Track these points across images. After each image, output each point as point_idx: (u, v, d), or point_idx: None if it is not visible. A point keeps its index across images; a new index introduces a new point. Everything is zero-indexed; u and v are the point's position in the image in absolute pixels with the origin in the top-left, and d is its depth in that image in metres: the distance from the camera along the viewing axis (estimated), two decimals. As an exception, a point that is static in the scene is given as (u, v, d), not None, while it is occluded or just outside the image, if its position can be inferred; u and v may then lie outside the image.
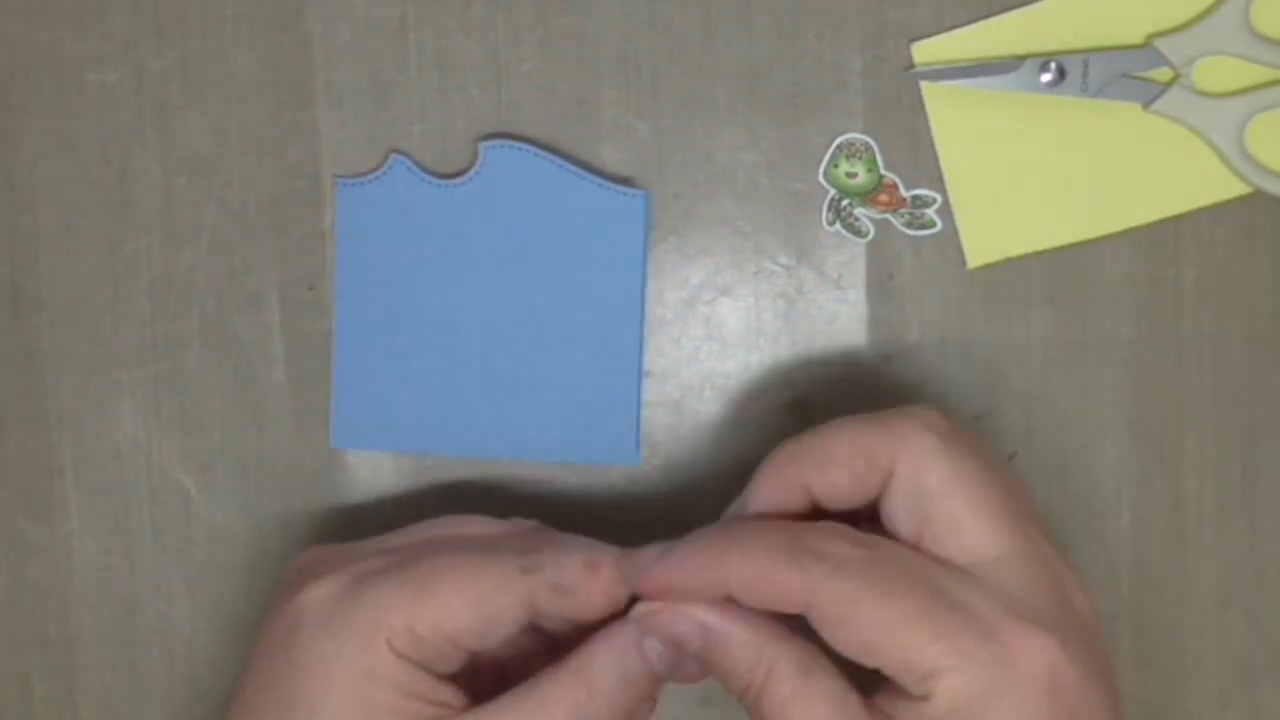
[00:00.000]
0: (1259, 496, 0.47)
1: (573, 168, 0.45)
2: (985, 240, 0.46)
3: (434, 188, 0.45)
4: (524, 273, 0.46)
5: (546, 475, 0.47)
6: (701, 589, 0.38)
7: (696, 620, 0.38)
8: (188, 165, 0.46)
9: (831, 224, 0.46)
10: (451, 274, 0.46)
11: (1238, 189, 0.46)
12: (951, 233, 0.46)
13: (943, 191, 0.46)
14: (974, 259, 0.46)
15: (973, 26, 0.45)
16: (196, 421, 0.47)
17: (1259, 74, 0.45)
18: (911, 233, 0.46)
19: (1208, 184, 0.46)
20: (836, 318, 0.46)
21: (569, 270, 0.45)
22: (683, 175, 0.46)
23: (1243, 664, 0.47)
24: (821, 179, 0.46)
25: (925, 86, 0.45)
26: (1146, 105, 0.45)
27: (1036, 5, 0.45)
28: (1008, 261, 0.46)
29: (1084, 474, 0.47)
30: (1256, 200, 0.46)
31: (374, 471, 0.47)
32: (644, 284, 0.46)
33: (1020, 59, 0.45)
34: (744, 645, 0.38)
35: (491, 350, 0.46)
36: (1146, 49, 0.45)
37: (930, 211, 0.46)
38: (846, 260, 0.46)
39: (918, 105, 0.46)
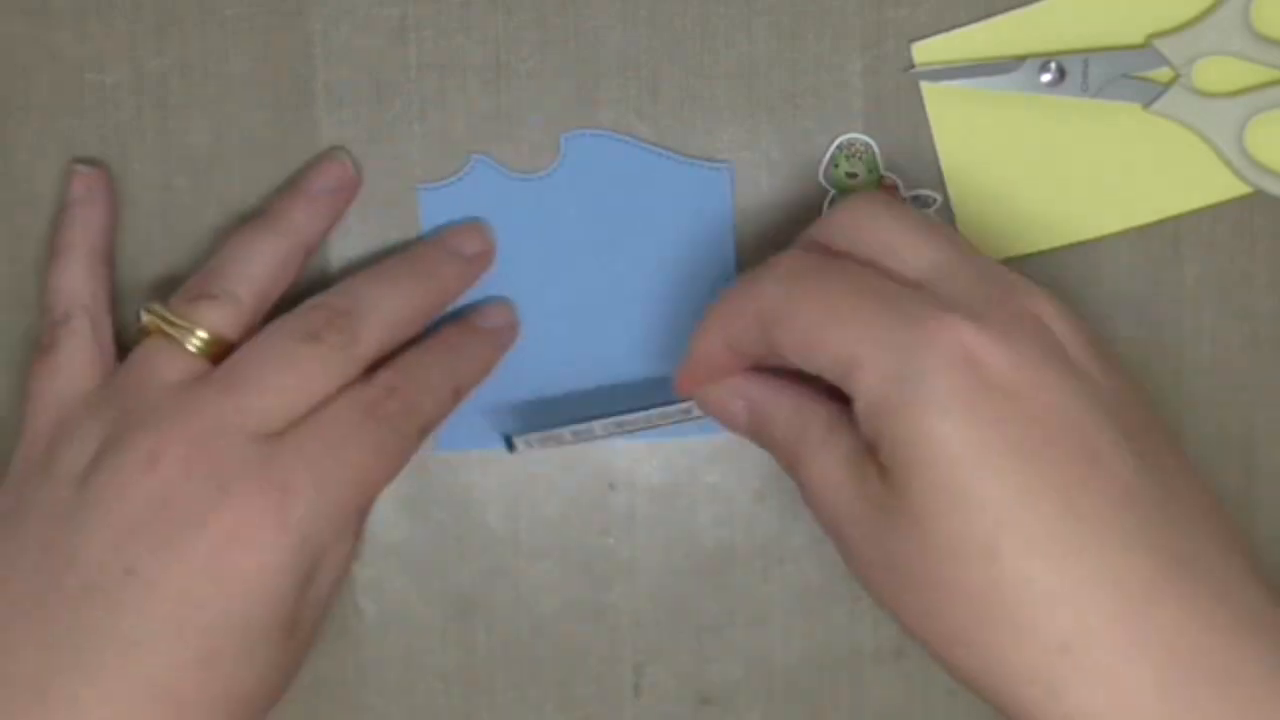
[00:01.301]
0: (1259, 496, 0.47)
1: (654, 149, 0.45)
2: (985, 240, 0.46)
3: (518, 184, 0.46)
4: (617, 259, 0.46)
5: (552, 471, 0.47)
6: (716, 363, 0.39)
7: (749, 392, 0.40)
8: (188, 165, 0.46)
9: None
10: (543, 268, 0.46)
11: (1238, 189, 0.46)
12: (939, 193, 0.46)
13: (943, 191, 0.46)
14: None
15: (973, 26, 0.45)
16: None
17: (1259, 74, 0.45)
18: None
19: (1208, 184, 0.46)
20: (836, 318, 0.46)
21: (662, 251, 0.46)
22: (683, 175, 0.46)
23: (1243, 664, 0.47)
24: (822, 179, 0.46)
25: (925, 86, 0.45)
26: (1146, 105, 0.45)
27: (1036, 5, 0.45)
28: (1008, 261, 0.46)
29: (1084, 474, 0.47)
30: (1256, 200, 0.46)
31: (374, 471, 0.47)
32: (736, 256, 0.46)
33: (1020, 59, 0.45)
34: (783, 405, 0.39)
35: (589, 340, 0.46)
36: (1146, 49, 0.45)
37: (930, 212, 0.46)
38: (846, 260, 0.46)
39: (918, 105, 0.46)
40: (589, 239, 0.46)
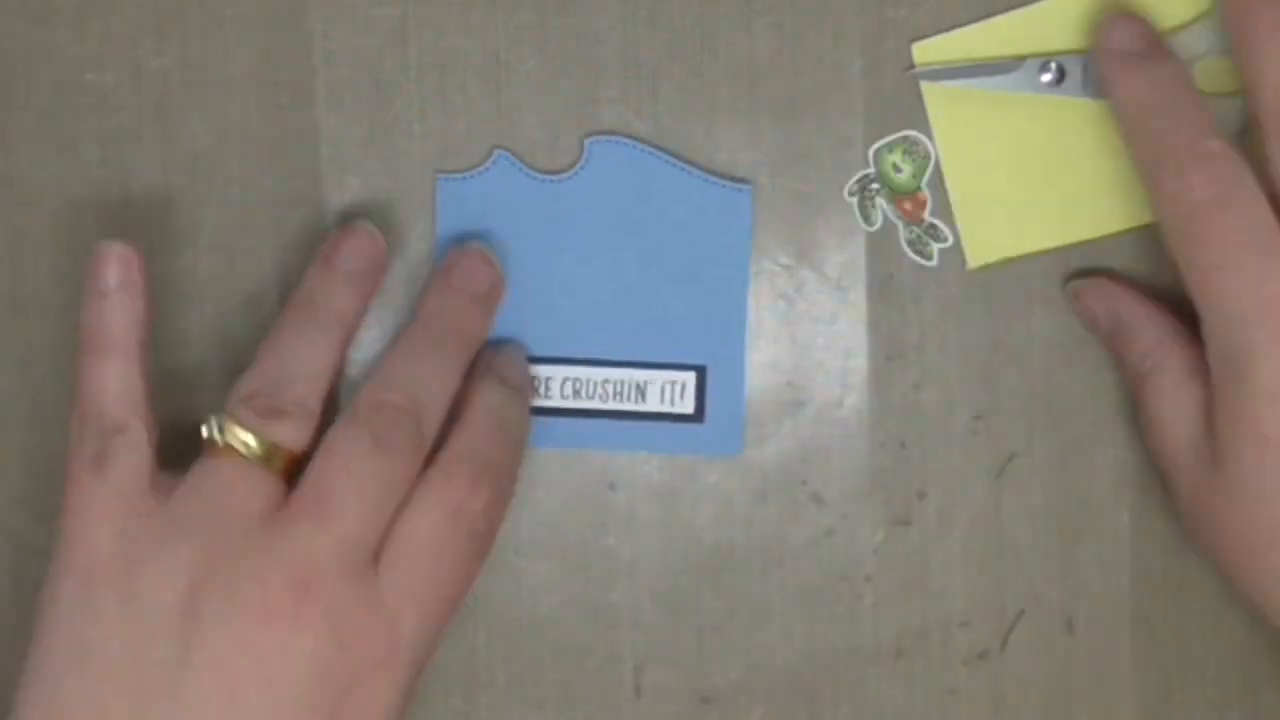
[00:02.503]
0: (1259, 496, 0.47)
1: (678, 162, 0.45)
2: (985, 240, 0.46)
3: (538, 183, 0.45)
4: (630, 267, 0.46)
5: (552, 471, 0.47)
6: None
7: (1117, 305, 0.44)
8: (188, 165, 0.46)
9: (852, 194, 0.46)
10: (555, 269, 0.46)
11: (1237, 189, 0.45)
12: (952, 234, 0.46)
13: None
14: (974, 259, 0.46)
15: (973, 27, 0.45)
16: (196, 423, 0.47)
17: (1259, 74, 0.45)
18: (910, 253, 0.46)
19: (1207, 184, 0.46)
20: (837, 318, 0.46)
21: (675, 264, 0.46)
22: (683, 175, 0.46)
23: (1243, 664, 0.47)
24: (870, 154, 0.46)
25: (925, 86, 0.45)
26: (1146, 105, 0.45)
27: (1036, 5, 0.45)
28: (1008, 261, 0.46)
29: (1084, 474, 0.47)
30: (1256, 200, 0.46)
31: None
32: (749, 273, 0.46)
33: (1020, 59, 0.45)
34: (1146, 333, 0.43)
35: (595, 345, 0.46)
36: (1146, 49, 0.45)
37: (936, 245, 0.46)
38: (847, 261, 0.46)
39: (918, 105, 0.46)
40: (604, 245, 0.46)
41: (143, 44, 0.46)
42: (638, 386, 0.46)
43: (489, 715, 0.47)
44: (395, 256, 0.46)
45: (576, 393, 0.46)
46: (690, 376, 0.46)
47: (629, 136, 0.46)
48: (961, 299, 0.46)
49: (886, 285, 0.46)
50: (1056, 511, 0.47)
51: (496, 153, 0.46)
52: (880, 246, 0.46)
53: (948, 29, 0.45)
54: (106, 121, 0.46)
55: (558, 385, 0.46)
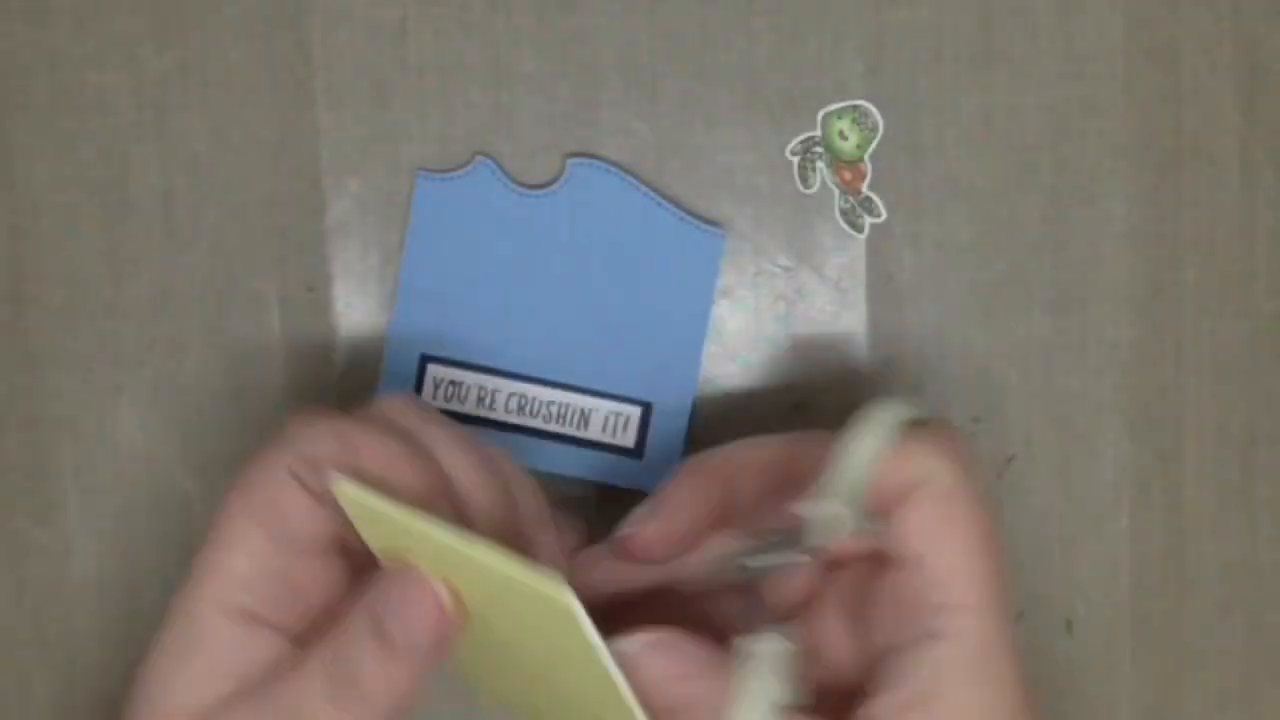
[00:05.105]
0: (1259, 496, 0.47)
1: (656, 196, 0.45)
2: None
3: (515, 194, 0.45)
4: (592, 293, 0.46)
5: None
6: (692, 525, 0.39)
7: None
8: (188, 166, 0.46)
9: (794, 154, 0.46)
10: (518, 283, 0.46)
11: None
12: (953, 235, 0.46)
13: (888, 205, 0.46)
14: None
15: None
16: (196, 424, 0.47)
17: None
18: (841, 223, 0.46)
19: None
20: (836, 319, 0.46)
21: (638, 298, 0.45)
22: (683, 177, 0.46)
23: (1243, 664, 0.47)
24: (819, 117, 0.45)
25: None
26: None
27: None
28: (1005, 262, 0.46)
29: (1084, 474, 0.47)
30: (1256, 201, 0.46)
31: (374, 472, 0.47)
32: (710, 319, 0.46)
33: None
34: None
35: (549, 363, 0.46)
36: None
37: (869, 219, 0.46)
38: (846, 262, 0.46)
39: (918, 106, 0.45)
40: (570, 267, 0.46)
41: (143, 44, 0.46)
42: (582, 413, 0.46)
43: (488, 716, 0.47)
44: (395, 257, 0.46)
45: (521, 409, 0.46)
46: (636, 411, 0.46)
47: (613, 163, 0.45)
48: (961, 300, 0.46)
49: (886, 287, 0.46)
50: (1056, 512, 0.47)
51: (478, 158, 0.46)
52: (879, 248, 0.46)
53: (947, 29, 0.45)
54: (106, 121, 0.46)
55: (503, 399, 0.46)
